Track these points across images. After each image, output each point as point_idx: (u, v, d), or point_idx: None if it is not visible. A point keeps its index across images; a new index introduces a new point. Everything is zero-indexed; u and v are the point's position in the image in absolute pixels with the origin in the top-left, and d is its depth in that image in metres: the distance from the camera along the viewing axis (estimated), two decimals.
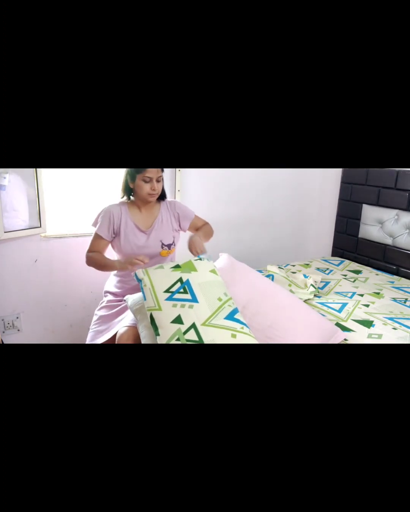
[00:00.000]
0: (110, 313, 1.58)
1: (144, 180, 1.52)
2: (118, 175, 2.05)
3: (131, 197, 1.62)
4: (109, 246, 1.64)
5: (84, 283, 2.10)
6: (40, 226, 1.89)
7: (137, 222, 1.59)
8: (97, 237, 1.60)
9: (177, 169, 2.14)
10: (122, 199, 1.63)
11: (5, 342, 1.92)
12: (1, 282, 1.89)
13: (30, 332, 2.03)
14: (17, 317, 1.98)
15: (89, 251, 1.61)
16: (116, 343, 1.46)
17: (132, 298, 1.44)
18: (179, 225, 1.69)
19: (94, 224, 1.61)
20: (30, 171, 1.78)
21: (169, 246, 1.64)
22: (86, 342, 1.59)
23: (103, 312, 1.62)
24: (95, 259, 1.58)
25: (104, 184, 2.09)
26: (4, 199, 1.72)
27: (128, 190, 1.60)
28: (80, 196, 2.08)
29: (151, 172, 1.51)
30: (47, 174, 1.88)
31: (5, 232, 1.75)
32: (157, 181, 1.54)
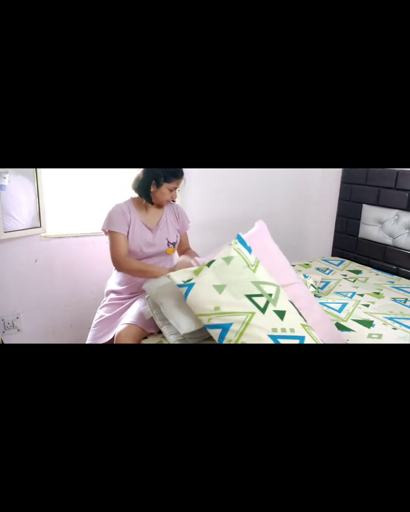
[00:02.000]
0: (113, 313, 1.58)
1: (170, 189, 1.54)
2: (118, 175, 2.06)
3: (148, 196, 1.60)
4: None
5: (84, 283, 2.10)
6: (40, 226, 1.89)
7: (144, 220, 1.60)
8: (118, 235, 1.52)
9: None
10: (127, 199, 1.62)
11: (5, 342, 1.92)
12: (1, 282, 1.89)
13: (30, 332, 2.03)
14: (17, 317, 1.98)
15: (120, 254, 1.52)
16: (115, 341, 1.46)
17: (151, 283, 1.39)
18: (178, 230, 1.71)
19: (107, 225, 1.54)
20: (30, 171, 1.78)
21: (174, 244, 1.66)
22: (87, 342, 1.59)
23: (105, 311, 1.62)
24: (135, 265, 1.52)
25: (104, 184, 2.09)
26: (4, 199, 1.72)
27: (146, 192, 1.56)
28: (80, 196, 2.08)
29: (179, 183, 1.55)
30: (47, 174, 1.88)
31: (5, 232, 1.75)
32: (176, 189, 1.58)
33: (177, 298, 1.27)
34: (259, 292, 1.20)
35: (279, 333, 1.13)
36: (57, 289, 2.04)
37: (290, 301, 1.25)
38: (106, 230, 1.56)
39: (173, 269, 1.50)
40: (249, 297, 1.19)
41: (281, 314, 1.18)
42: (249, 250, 1.34)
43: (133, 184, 1.59)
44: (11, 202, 1.75)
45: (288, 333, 1.14)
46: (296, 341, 1.12)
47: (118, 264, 1.54)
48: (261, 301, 1.18)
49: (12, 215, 1.78)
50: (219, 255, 1.29)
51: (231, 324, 1.13)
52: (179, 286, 1.23)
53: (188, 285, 1.21)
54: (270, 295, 1.21)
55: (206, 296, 1.18)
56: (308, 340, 1.14)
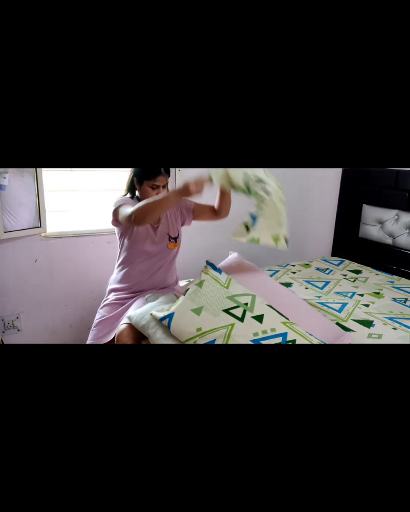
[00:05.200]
0: (114, 313, 1.58)
1: (152, 187, 1.51)
2: (118, 175, 2.06)
3: (134, 195, 1.62)
4: (117, 239, 1.65)
5: (84, 283, 2.10)
6: (40, 226, 1.89)
7: None
8: (127, 206, 1.47)
9: (177, 169, 2.14)
10: (126, 196, 1.62)
11: (5, 342, 1.92)
12: (1, 282, 1.89)
13: (30, 332, 2.03)
14: (17, 317, 1.98)
15: (128, 210, 1.43)
16: (116, 340, 1.46)
17: (135, 314, 1.43)
18: (184, 219, 1.70)
19: (116, 204, 1.51)
20: (30, 171, 1.78)
21: (175, 239, 1.66)
22: (88, 342, 1.59)
23: (105, 311, 1.62)
24: (145, 204, 1.37)
25: (104, 184, 2.09)
26: (4, 199, 1.72)
27: (133, 190, 1.59)
28: (80, 196, 2.08)
29: (161, 180, 1.51)
30: (47, 174, 1.88)
31: (5, 232, 1.76)
32: (163, 187, 1.55)
33: (163, 329, 1.32)
34: (235, 305, 1.27)
35: (260, 335, 1.19)
36: (57, 289, 2.04)
37: (268, 305, 1.31)
38: (116, 210, 1.50)
39: (176, 189, 1.40)
40: (226, 311, 1.25)
41: (259, 318, 1.24)
42: (219, 271, 1.43)
43: (125, 189, 1.61)
44: (11, 202, 1.75)
45: (269, 333, 1.20)
46: (279, 339, 1.18)
47: (133, 214, 1.39)
48: (238, 312, 1.25)
49: (12, 215, 1.78)
50: (192, 283, 1.38)
51: (214, 340, 1.19)
52: (161, 320, 1.29)
53: (169, 315, 1.28)
54: (246, 304, 1.28)
55: (186, 321, 1.25)
56: (291, 335, 1.20)
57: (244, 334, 1.19)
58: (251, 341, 1.18)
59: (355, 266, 2.31)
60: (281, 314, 1.29)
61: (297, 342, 1.18)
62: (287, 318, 1.28)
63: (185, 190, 1.36)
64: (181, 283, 1.76)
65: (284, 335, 1.19)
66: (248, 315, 1.24)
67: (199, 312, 1.26)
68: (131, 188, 1.59)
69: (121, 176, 2.05)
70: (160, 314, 1.31)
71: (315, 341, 1.22)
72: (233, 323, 1.21)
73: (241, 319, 1.22)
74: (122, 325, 1.46)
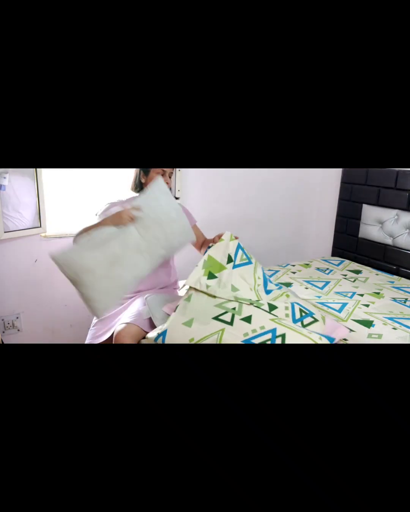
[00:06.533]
0: (112, 313, 1.58)
1: (159, 174, 1.54)
2: (118, 175, 2.06)
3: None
4: None
5: None
6: (40, 226, 1.89)
7: None
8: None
9: (177, 169, 2.14)
10: (129, 197, 1.62)
11: (5, 342, 1.92)
12: (1, 282, 1.89)
13: (30, 332, 2.03)
14: (17, 317, 1.97)
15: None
16: (114, 340, 1.46)
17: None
18: None
19: (101, 213, 1.54)
20: (30, 171, 1.78)
21: None
22: (86, 341, 1.59)
23: None
24: (83, 230, 1.50)
25: (104, 185, 2.09)
26: (4, 199, 1.72)
27: (141, 186, 1.59)
28: (80, 196, 2.08)
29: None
30: (47, 174, 1.88)
31: (5, 232, 1.75)
32: (169, 176, 1.58)
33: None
34: (223, 311, 1.31)
35: (251, 335, 1.22)
36: (57, 289, 2.04)
37: (256, 306, 1.34)
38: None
39: (109, 217, 1.47)
40: (216, 318, 1.29)
41: (248, 319, 1.27)
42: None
43: (131, 186, 1.61)
44: (11, 202, 1.75)
45: (259, 331, 1.23)
46: (269, 335, 1.21)
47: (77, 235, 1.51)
48: (227, 317, 1.28)
49: (12, 215, 1.78)
50: (180, 299, 1.41)
51: None
52: (155, 339, 1.32)
53: (162, 334, 1.30)
54: (234, 308, 1.31)
55: (179, 334, 1.28)
56: (280, 330, 1.23)
57: (234, 335, 1.22)
58: (242, 341, 1.21)
59: (355, 266, 2.31)
60: (269, 312, 1.31)
61: (286, 336, 1.19)
62: (276, 315, 1.30)
63: (118, 218, 1.43)
64: (181, 283, 1.76)
65: (273, 331, 1.22)
66: (237, 318, 1.27)
67: (190, 324, 1.29)
68: (139, 184, 1.59)
69: (122, 176, 2.05)
70: (153, 334, 1.34)
71: (309, 335, 1.23)
72: (223, 328, 1.24)
73: (230, 323, 1.26)
74: (121, 324, 1.46)
